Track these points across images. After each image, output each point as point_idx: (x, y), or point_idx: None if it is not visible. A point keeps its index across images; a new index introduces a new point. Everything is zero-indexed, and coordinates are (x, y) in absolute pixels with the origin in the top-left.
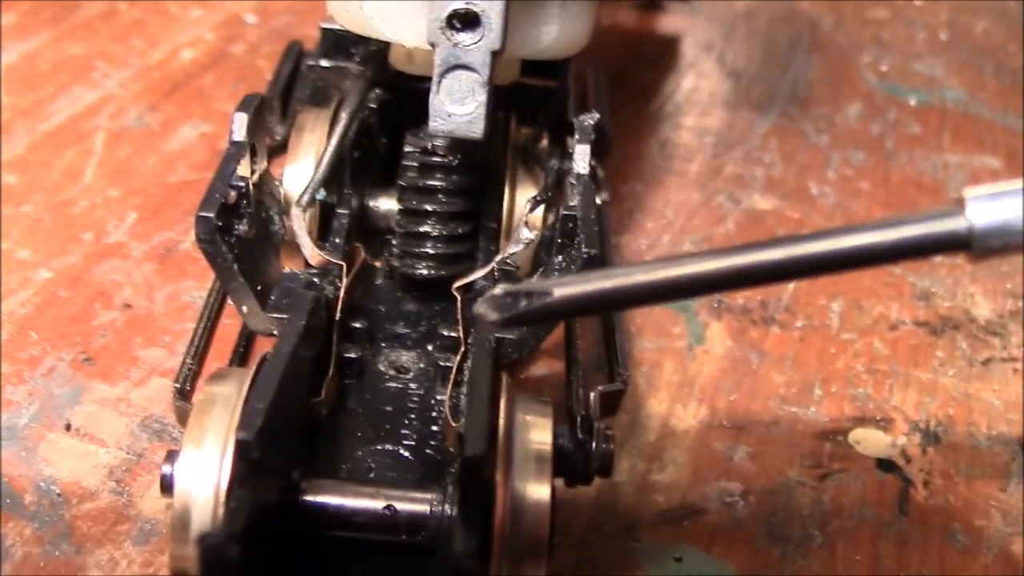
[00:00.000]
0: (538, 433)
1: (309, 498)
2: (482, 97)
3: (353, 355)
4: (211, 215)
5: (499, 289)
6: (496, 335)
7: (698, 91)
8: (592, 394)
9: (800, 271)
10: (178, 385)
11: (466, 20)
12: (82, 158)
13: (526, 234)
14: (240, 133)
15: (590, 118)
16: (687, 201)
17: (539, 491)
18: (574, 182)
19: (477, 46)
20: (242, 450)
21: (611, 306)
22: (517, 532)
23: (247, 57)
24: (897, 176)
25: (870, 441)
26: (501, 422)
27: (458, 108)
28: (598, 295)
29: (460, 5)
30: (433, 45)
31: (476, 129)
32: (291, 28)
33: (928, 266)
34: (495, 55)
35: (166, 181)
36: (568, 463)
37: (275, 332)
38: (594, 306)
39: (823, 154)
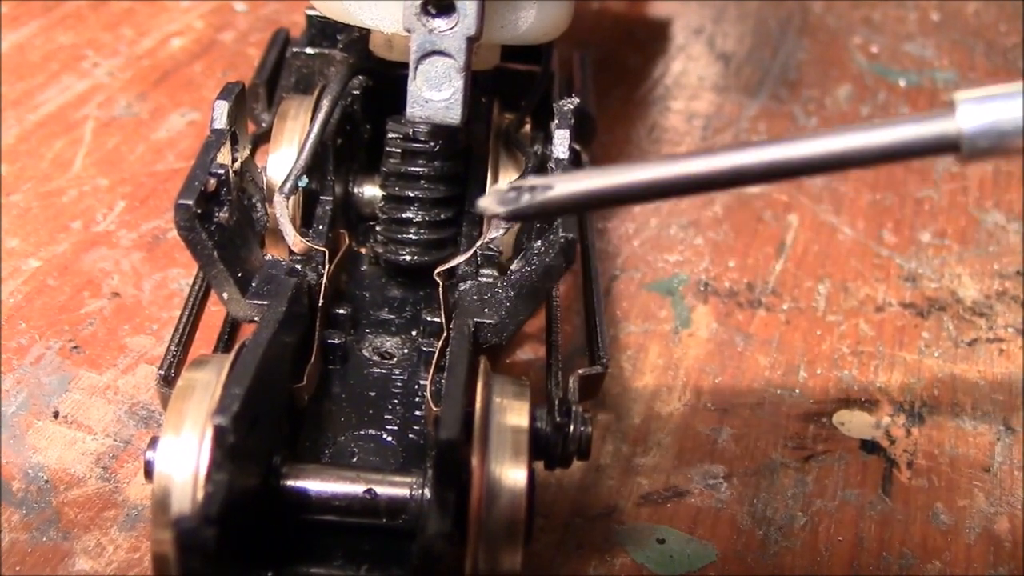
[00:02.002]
0: (515, 416)
1: (290, 482)
2: (459, 83)
3: (337, 341)
4: (190, 203)
5: (503, 184)
6: (475, 320)
7: (687, 74)
8: (571, 378)
9: (792, 170)
10: (162, 372)
11: (441, 6)
12: (71, 147)
13: None
14: (220, 121)
15: (570, 103)
16: None
17: (515, 474)
18: (553, 167)
19: (452, 32)
20: (218, 435)
21: (610, 202)
22: (493, 515)
23: (236, 45)
24: None
25: (854, 422)
26: (477, 406)
27: (435, 94)
28: (597, 191)
29: None
30: (409, 31)
31: (453, 115)
32: (280, 15)
33: (915, 247)
34: (471, 41)
35: (155, 170)
36: (546, 446)
37: (256, 319)
38: (593, 201)
39: None
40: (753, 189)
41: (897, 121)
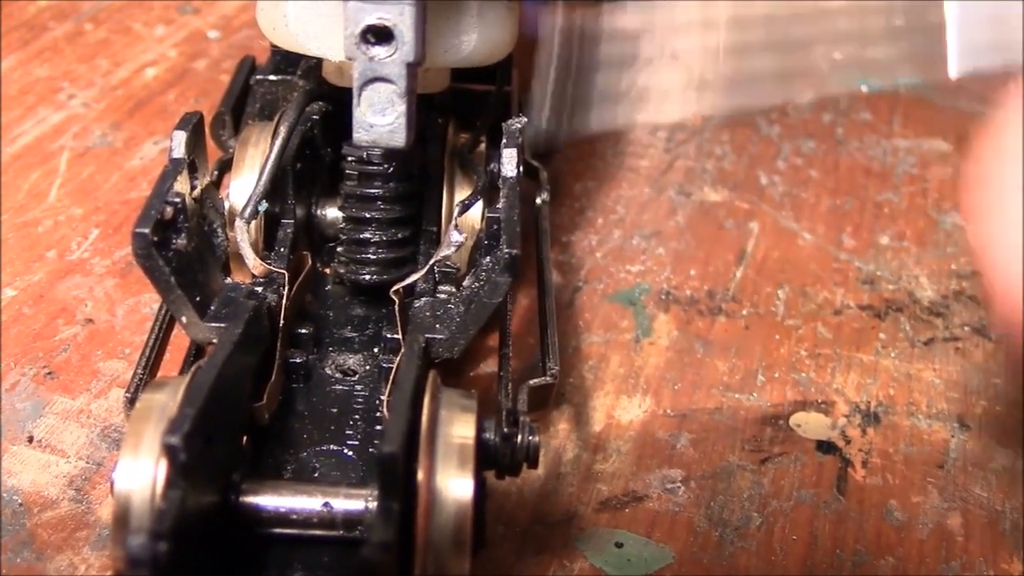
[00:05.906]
0: (461, 428)
1: (248, 498)
2: (401, 108)
3: (299, 360)
4: (146, 231)
5: None
6: (427, 335)
7: (651, 87)
8: (521, 388)
9: None
10: (129, 395)
11: (380, 35)
12: (47, 178)
13: (456, 237)
14: (178, 151)
15: (517, 122)
16: (638, 196)
17: (461, 484)
18: (501, 185)
19: (392, 59)
20: (170, 454)
21: None
22: (439, 524)
23: (209, 72)
24: (847, 163)
25: (811, 424)
26: (424, 418)
27: (379, 119)
28: None
29: (372, 21)
30: (351, 59)
31: (398, 139)
32: (253, 41)
33: (874, 250)
34: (411, 67)
35: (128, 197)
36: (495, 456)
37: (214, 341)
38: None
39: (774, 144)
40: (715, 197)
41: None
